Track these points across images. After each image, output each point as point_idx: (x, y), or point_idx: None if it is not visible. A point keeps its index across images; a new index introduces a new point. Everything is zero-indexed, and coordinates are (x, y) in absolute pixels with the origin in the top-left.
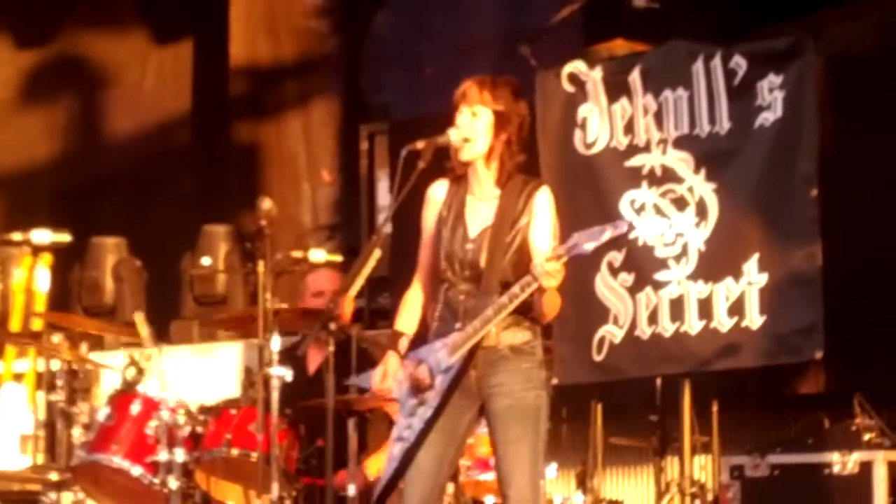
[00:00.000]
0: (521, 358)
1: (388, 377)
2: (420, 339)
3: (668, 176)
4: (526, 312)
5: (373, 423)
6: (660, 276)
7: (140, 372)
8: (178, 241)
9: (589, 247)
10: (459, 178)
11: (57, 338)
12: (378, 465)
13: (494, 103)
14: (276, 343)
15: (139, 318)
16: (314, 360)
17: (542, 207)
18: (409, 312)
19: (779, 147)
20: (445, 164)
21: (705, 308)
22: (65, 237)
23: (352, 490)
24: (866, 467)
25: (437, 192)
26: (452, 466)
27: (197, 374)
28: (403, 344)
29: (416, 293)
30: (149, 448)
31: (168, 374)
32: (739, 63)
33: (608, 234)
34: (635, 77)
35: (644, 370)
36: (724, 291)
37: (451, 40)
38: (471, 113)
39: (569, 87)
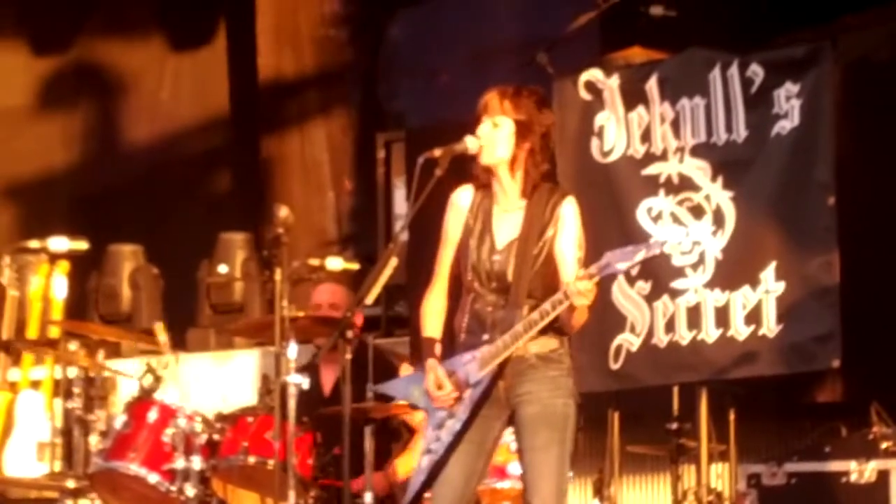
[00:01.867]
0: (548, 366)
1: (444, 381)
2: (446, 348)
3: (685, 184)
4: (553, 321)
5: (396, 433)
6: (677, 284)
7: (157, 380)
8: (195, 249)
9: (622, 266)
10: (484, 186)
11: (74, 345)
12: (407, 467)
13: (516, 113)
14: (293, 350)
15: (159, 327)
16: (328, 380)
17: (569, 218)
18: (435, 318)
19: (796, 155)
20: (468, 171)
21: (722, 316)
22: (82, 245)
23: (368, 498)
24: (883, 476)
25: (462, 199)
26: (481, 478)
27: (214, 382)
28: (438, 349)
29: (438, 298)
30: (166, 455)
31: (185, 382)
32: (756, 71)
33: (641, 254)
34: (652, 85)
35: (661, 378)
36: (741, 300)
37: (468, 48)
38: (492, 124)
39: (586, 96)
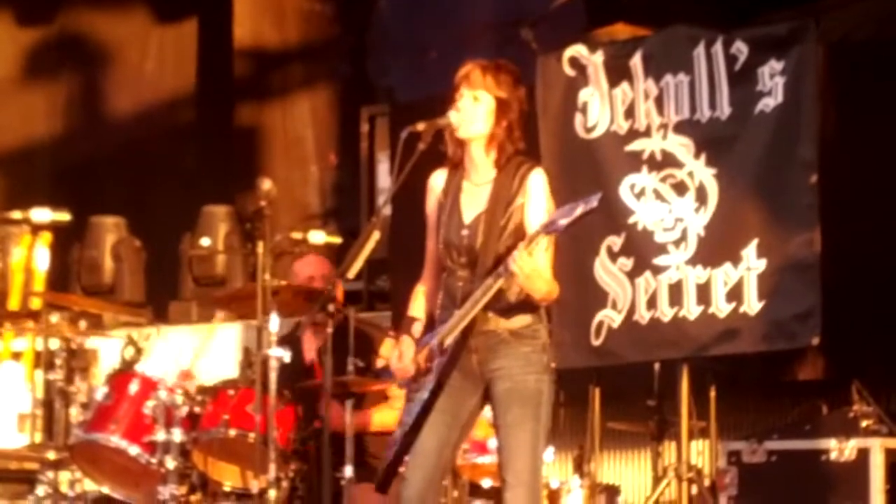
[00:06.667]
0: (521, 342)
1: (405, 358)
2: (427, 328)
3: (669, 161)
4: (528, 296)
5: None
6: (659, 260)
7: (138, 351)
8: (177, 222)
9: (563, 222)
10: (456, 165)
11: (55, 317)
12: (383, 419)
13: (497, 89)
14: (274, 324)
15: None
16: (310, 348)
17: (537, 188)
18: (420, 299)
19: (779, 133)
20: (442, 148)
21: (704, 293)
22: (64, 216)
23: (349, 472)
24: (863, 454)
25: (437, 181)
26: (455, 450)
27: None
28: (417, 328)
29: (426, 282)
30: (146, 428)
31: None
32: (741, 48)
33: (580, 209)
34: (636, 62)
35: (642, 355)
36: (722, 277)
37: (454, 24)
38: (472, 97)
39: (570, 72)
